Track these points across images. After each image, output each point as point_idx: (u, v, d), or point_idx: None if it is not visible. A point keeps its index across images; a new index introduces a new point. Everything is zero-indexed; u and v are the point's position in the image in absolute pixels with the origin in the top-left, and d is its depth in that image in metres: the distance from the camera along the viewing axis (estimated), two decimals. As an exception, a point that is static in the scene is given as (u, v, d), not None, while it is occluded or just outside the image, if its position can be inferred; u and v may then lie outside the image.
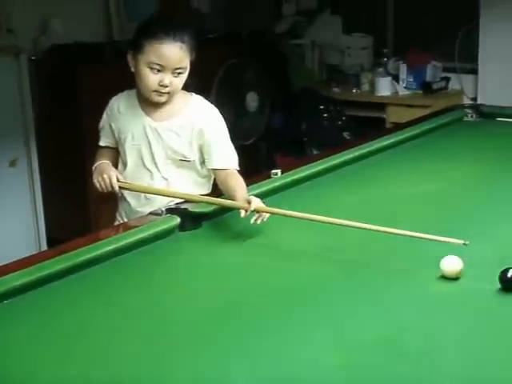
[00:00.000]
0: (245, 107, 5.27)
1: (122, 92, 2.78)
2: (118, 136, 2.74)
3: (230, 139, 2.68)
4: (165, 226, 2.35)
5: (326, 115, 5.56)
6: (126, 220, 2.73)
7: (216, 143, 2.64)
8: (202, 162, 2.70)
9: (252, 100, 5.31)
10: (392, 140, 3.32)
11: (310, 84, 5.76)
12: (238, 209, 2.34)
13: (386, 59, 5.68)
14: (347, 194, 2.75)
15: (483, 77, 5.28)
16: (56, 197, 4.53)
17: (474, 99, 5.30)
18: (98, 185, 2.67)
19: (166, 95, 2.60)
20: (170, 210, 2.43)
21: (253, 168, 4.00)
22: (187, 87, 2.67)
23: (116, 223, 2.76)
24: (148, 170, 2.69)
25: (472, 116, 3.75)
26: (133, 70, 2.62)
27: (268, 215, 2.31)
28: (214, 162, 2.65)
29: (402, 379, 1.58)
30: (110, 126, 2.77)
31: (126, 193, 2.72)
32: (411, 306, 1.90)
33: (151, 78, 2.56)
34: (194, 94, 2.71)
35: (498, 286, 1.92)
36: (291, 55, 5.86)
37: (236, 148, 2.69)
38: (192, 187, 2.69)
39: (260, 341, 1.74)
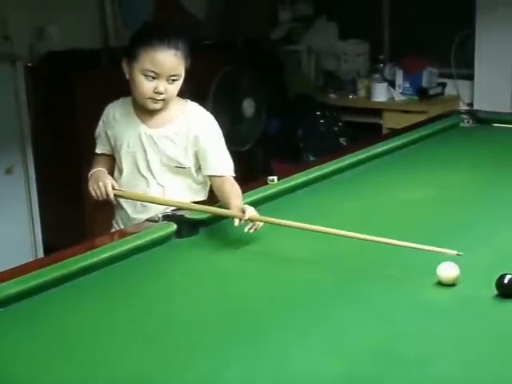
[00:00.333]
0: (241, 113, 5.27)
1: (117, 99, 2.78)
2: (113, 143, 2.74)
3: (225, 146, 2.68)
4: (161, 233, 2.34)
5: (322, 121, 5.57)
6: (122, 227, 2.72)
7: (211, 150, 2.64)
8: (198, 169, 2.70)
9: (248, 106, 5.32)
10: (388, 146, 3.32)
11: (306, 90, 5.76)
12: (232, 217, 2.34)
13: (382, 65, 5.69)
14: (344, 201, 2.75)
15: (479, 82, 5.29)
16: (52, 204, 4.53)
17: (471, 105, 5.30)
18: (93, 192, 2.67)
19: (161, 102, 2.60)
20: (167, 217, 2.42)
21: (249, 174, 4.01)
22: (182, 94, 2.67)
23: (112, 230, 2.76)
24: (144, 177, 2.69)
25: (468, 122, 3.75)
26: (128, 77, 2.62)
27: (262, 224, 2.31)
28: (210, 169, 2.64)
29: (398, 386, 1.58)
30: (106, 133, 2.77)
31: (122, 200, 2.72)
32: (408, 312, 1.90)
33: (146, 86, 2.56)
34: (189, 100, 2.71)
35: (495, 292, 1.92)
36: (287, 61, 5.86)
37: (232, 154, 2.69)
38: (188, 194, 2.69)
39: (257, 347, 1.73)
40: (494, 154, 3.32)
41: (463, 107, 5.23)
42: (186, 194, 2.68)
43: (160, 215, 2.43)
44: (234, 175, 2.61)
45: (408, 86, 5.53)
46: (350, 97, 5.72)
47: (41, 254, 4.37)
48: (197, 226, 2.43)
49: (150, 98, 2.59)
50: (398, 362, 1.65)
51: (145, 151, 2.67)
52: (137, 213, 2.69)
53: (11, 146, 4.23)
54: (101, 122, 2.80)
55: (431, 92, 5.48)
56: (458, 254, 2.01)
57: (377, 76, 5.61)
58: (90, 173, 2.74)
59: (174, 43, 2.55)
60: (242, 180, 2.62)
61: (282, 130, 5.63)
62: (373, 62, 5.79)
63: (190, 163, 2.67)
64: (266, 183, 2.76)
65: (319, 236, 2.25)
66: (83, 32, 4.95)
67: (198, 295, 2.05)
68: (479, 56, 5.26)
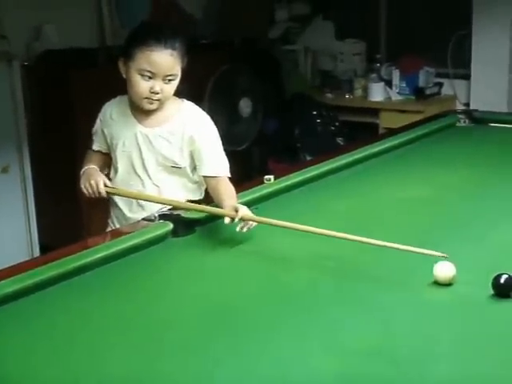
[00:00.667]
0: (238, 113, 5.27)
1: (114, 97, 2.78)
2: (110, 142, 2.74)
3: (221, 146, 2.67)
4: (157, 232, 2.34)
5: (319, 121, 5.57)
6: (118, 226, 2.72)
7: (207, 150, 2.63)
8: (194, 169, 2.69)
9: (245, 106, 5.31)
10: (385, 145, 3.32)
11: (303, 89, 5.76)
12: (225, 216, 2.34)
13: (378, 65, 5.69)
14: (340, 200, 2.75)
15: (476, 82, 5.29)
16: (49, 203, 4.52)
17: (467, 105, 5.31)
18: (85, 190, 2.67)
19: (157, 102, 2.60)
20: (163, 216, 2.42)
21: (246, 174, 4.01)
22: (179, 93, 2.66)
23: (108, 230, 2.76)
24: (139, 176, 2.68)
25: (465, 121, 3.75)
26: (124, 76, 2.62)
27: (255, 224, 2.31)
28: (205, 169, 2.64)
29: (394, 386, 1.58)
30: (103, 131, 2.77)
31: (117, 199, 2.72)
32: (404, 312, 1.90)
33: (142, 85, 2.56)
34: (185, 100, 2.71)
35: (491, 291, 1.92)
36: (284, 61, 5.86)
37: (229, 154, 2.68)
38: (184, 193, 2.68)
39: (252, 347, 1.73)
40: (491, 153, 3.33)
41: (460, 107, 5.23)
42: (181, 193, 2.68)
43: (156, 214, 2.43)
44: (229, 176, 2.61)
45: (405, 85, 5.53)
46: (347, 96, 5.72)
47: (37, 253, 4.36)
48: (193, 225, 2.43)
49: (146, 98, 2.58)
50: (395, 362, 1.65)
51: (140, 151, 2.66)
52: (133, 212, 2.69)
53: (7, 145, 4.23)
54: (98, 120, 2.79)
55: (428, 92, 5.48)
56: (444, 257, 2.00)
57: (373, 76, 5.61)
58: (82, 170, 2.73)
59: (171, 43, 2.54)
60: (239, 179, 2.62)
61: (278, 129, 5.62)
62: (369, 62, 5.79)
63: (185, 163, 2.67)
64: (263, 182, 2.76)
65: (315, 235, 2.25)
66: (80, 31, 4.94)
67: (194, 294, 2.04)
68: (476, 56, 5.26)
